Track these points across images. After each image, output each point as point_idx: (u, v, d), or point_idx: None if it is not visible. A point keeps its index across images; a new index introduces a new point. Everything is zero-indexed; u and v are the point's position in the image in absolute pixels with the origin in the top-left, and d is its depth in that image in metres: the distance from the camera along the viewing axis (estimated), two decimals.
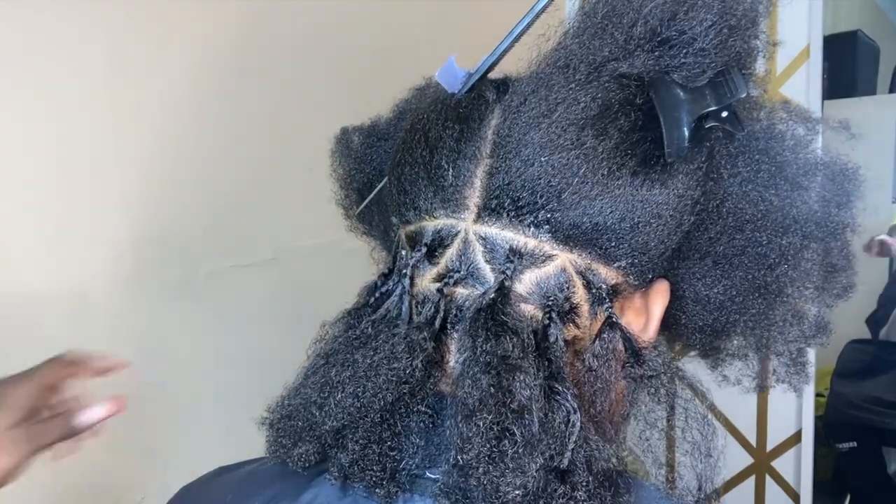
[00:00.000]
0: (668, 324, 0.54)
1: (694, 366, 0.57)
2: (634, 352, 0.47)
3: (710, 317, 0.53)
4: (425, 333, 0.46)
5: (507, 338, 0.43)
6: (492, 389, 0.42)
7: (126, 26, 0.92)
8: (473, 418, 0.42)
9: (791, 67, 1.50)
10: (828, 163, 0.52)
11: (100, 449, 0.93)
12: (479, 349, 0.43)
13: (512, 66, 0.50)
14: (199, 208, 1.03)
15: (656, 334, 0.51)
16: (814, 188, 0.51)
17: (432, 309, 0.47)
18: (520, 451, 0.41)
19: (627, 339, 0.47)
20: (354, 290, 0.55)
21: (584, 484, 0.42)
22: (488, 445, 0.41)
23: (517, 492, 0.41)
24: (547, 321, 0.45)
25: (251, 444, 0.55)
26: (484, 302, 0.45)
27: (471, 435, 0.42)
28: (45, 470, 0.78)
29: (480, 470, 0.41)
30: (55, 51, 0.86)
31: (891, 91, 2.63)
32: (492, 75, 0.51)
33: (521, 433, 0.41)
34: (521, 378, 0.42)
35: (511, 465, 0.41)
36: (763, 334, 0.53)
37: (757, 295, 0.52)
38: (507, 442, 0.41)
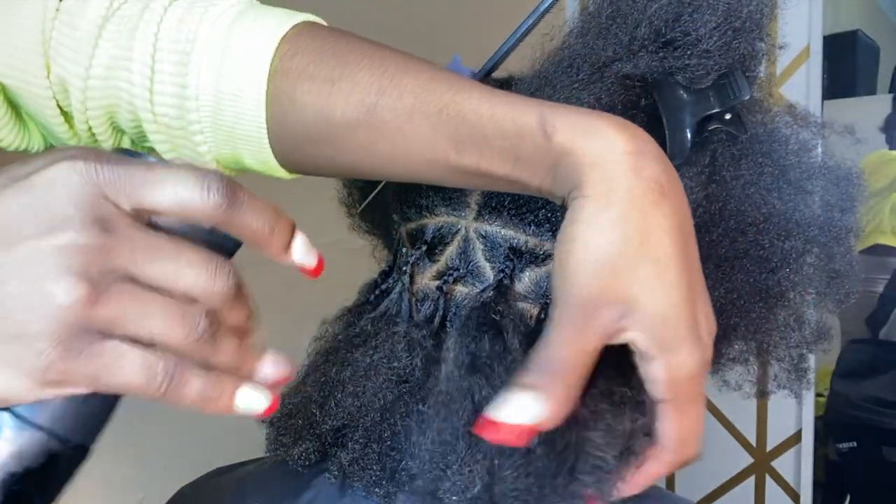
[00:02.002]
0: None
1: None
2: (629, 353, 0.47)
3: None
4: (425, 332, 0.47)
5: (491, 337, 0.44)
6: (462, 389, 0.43)
7: None
8: (444, 419, 0.43)
9: (791, 67, 1.50)
10: (832, 167, 0.51)
11: (99, 448, 0.93)
12: (465, 348, 0.43)
13: (516, 65, 0.50)
14: None
15: None
16: (817, 192, 0.51)
17: (431, 307, 0.47)
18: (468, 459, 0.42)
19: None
20: (355, 289, 0.55)
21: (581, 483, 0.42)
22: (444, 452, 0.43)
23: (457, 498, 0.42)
24: (543, 318, 0.45)
25: (251, 445, 0.55)
26: (480, 301, 0.45)
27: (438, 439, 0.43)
28: None
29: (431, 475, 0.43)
30: None
31: (891, 91, 2.63)
32: (496, 74, 0.51)
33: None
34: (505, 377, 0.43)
35: (457, 470, 0.42)
36: (764, 339, 0.53)
37: (758, 299, 0.51)
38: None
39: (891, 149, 2.18)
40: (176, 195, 0.29)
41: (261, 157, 0.44)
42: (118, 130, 0.48)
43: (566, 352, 0.36)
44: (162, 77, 0.43)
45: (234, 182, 0.31)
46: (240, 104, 0.42)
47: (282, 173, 0.46)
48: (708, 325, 0.39)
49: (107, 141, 0.49)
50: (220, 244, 0.32)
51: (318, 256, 0.34)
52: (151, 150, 0.48)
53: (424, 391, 0.46)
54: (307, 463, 0.48)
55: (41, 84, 0.45)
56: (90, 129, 0.47)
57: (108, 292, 0.28)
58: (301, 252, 0.34)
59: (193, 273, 0.30)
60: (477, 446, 0.42)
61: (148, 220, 0.30)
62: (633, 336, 0.37)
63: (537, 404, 0.36)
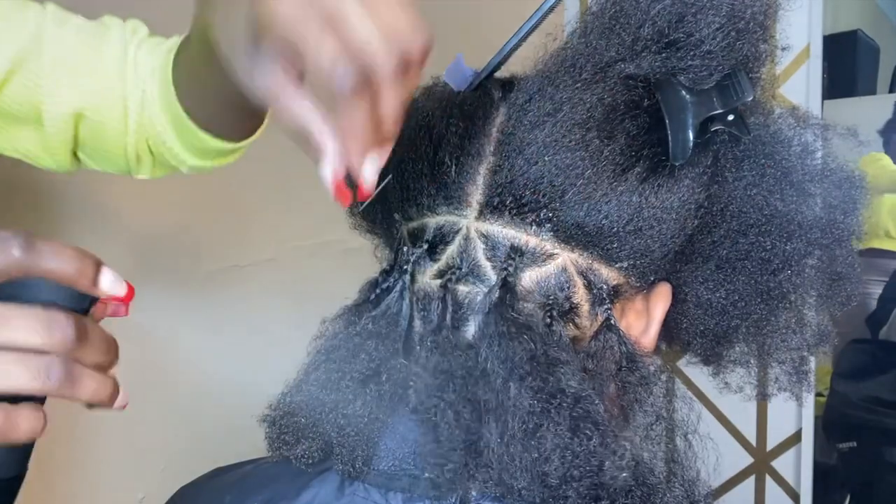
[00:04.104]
0: (670, 328, 0.54)
1: (695, 371, 0.57)
2: (630, 356, 0.47)
3: (711, 321, 0.53)
4: (429, 331, 0.47)
5: (525, 337, 0.43)
6: (540, 395, 0.42)
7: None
8: (539, 428, 0.42)
9: (791, 67, 1.50)
10: (834, 169, 0.51)
11: (100, 448, 0.93)
12: (510, 358, 0.43)
13: (519, 66, 0.50)
14: (199, 208, 1.02)
15: (657, 337, 0.51)
16: (819, 194, 0.51)
17: (439, 306, 0.47)
18: (599, 439, 0.42)
19: (624, 343, 0.47)
20: (354, 289, 0.55)
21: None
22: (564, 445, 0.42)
23: (626, 473, 0.42)
24: (549, 319, 0.45)
25: (251, 444, 0.55)
26: (491, 302, 0.45)
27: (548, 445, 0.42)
28: (44, 468, 0.78)
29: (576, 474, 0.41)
30: None
31: (891, 91, 2.63)
32: (498, 74, 0.51)
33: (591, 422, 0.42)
34: (562, 371, 0.43)
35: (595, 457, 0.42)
36: (765, 341, 0.53)
37: (759, 300, 0.51)
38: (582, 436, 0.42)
39: (887, 153, 2.17)
40: None
41: (179, 112, 0.58)
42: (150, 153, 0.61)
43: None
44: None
45: (32, 235, 0.35)
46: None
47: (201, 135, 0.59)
48: None
49: (147, 163, 0.63)
50: (72, 300, 0.37)
51: (126, 285, 0.38)
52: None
53: (430, 389, 0.46)
54: (309, 462, 0.48)
55: (117, 117, 0.58)
56: (137, 152, 0.61)
57: None
58: (108, 283, 0.37)
59: (25, 332, 0.34)
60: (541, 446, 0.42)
61: None
62: None
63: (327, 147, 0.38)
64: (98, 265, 0.37)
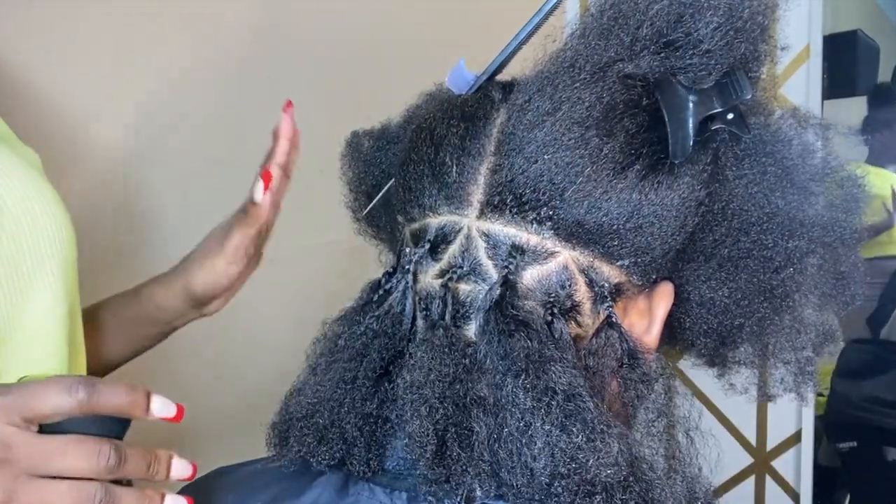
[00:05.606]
0: (673, 328, 0.55)
1: (698, 371, 0.57)
2: (631, 353, 0.47)
3: (714, 320, 0.53)
4: (434, 330, 0.47)
5: (522, 334, 0.44)
6: (532, 392, 0.42)
7: (127, 25, 0.92)
8: (531, 425, 0.42)
9: (791, 67, 1.50)
10: (835, 168, 0.52)
11: None
12: (507, 353, 0.44)
13: (519, 68, 0.50)
14: (199, 208, 1.02)
15: (659, 336, 0.51)
16: (821, 193, 0.51)
17: (440, 305, 0.47)
18: (589, 434, 0.42)
19: (625, 340, 0.47)
20: (355, 289, 0.55)
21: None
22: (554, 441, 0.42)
23: (610, 470, 0.41)
24: (549, 317, 0.45)
25: (252, 444, 0.55)
26: (492, 299, 0.45)
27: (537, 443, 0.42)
28: None
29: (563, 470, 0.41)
30: (58, 48, 0.85)
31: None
32: (499, 78, 0.51)
33: (586, 416, 0.42)
34: (554, 368, 0.43)
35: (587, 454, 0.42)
36: (770, 341, 0.53)
37: (762, 299, 0.52)
38: (573, 431, 0.42)
39: (870, 153, 2.16)
40: (50, 403, 0.41)
41: None
42: None
43: None
44: None
45: (91, 378, 0.42)
46: None
47: None
48: None
49: None
50: (109, 428, 0.43)
51: (176, 406, 0.45)
52: None
53: (428, 386, 0.46)
54: (332, 461, 0.48)
55: None
56: None
57: (17, 492, 0.40)
58: (159, 407, 0.44)
59: (78, 462, 0.41)
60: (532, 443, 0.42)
61: (42, 426, 0.41)
62: None
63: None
64: (148, 395, 0.44)
